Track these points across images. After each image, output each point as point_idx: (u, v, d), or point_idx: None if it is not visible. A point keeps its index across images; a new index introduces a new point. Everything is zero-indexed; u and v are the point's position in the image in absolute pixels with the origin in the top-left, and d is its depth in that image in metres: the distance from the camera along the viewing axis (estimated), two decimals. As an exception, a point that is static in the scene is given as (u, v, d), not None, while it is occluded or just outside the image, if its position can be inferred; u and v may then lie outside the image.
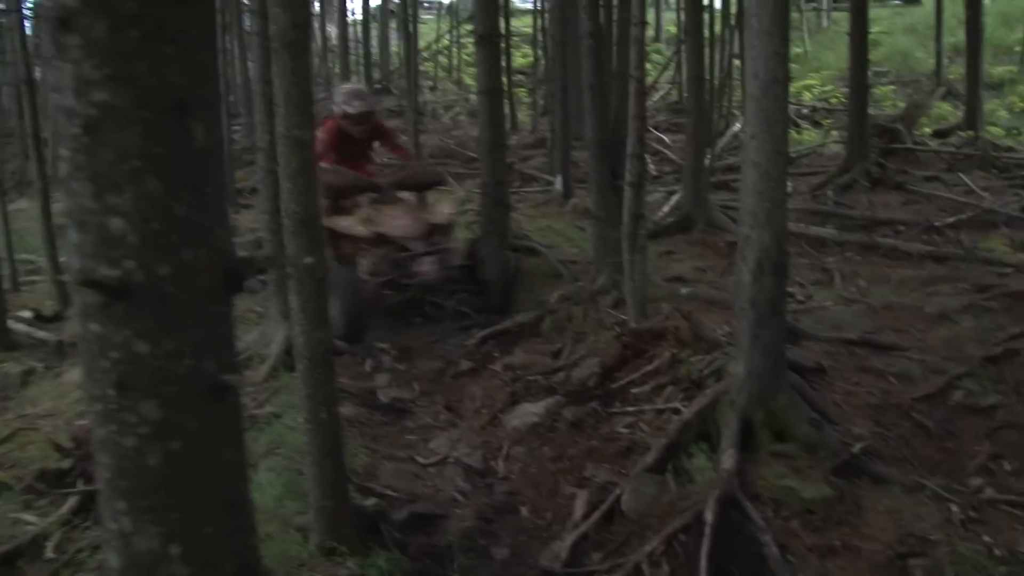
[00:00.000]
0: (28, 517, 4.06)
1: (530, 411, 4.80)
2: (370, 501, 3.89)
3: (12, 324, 6.92)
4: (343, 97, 7.03)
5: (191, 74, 1.13)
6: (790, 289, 6.44)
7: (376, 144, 7.58)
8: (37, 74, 9.64)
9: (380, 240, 6.62)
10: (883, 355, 5.03)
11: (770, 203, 3.89)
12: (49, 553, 3.71)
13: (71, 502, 4.15)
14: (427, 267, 6.56)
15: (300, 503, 3.81)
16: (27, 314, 7.41)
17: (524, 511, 4.04)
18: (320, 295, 3.21)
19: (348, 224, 6.64)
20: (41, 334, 6.95)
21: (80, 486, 4.26)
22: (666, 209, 9.62)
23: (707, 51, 10.68)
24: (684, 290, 6.28)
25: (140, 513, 1.21)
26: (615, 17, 7.93)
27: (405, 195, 7.10)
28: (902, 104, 13.09)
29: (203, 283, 1.19)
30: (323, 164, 6.44)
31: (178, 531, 1.22)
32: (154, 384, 1.18)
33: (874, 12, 17.96)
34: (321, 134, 6.59)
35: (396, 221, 6.68)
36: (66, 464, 4.43)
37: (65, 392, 5.75)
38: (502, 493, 4.18)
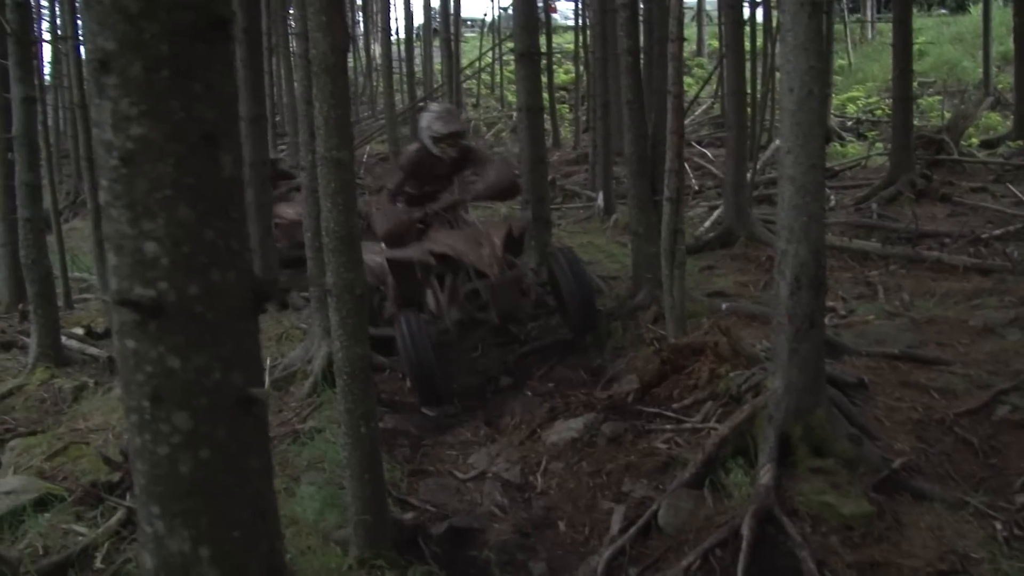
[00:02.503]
0: (79, 528, 4.17)
1: (568, 427, 4.82)
2: (409, 515, 3.95)
3: (65, 341, 7.11)
4: None
5: (218, 109, 1.22)
6: (832, 303, 6.41)
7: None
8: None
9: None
10: (926, 369, 4.98)
11: (807, 217, 3.88)
12: (98, 564, 3.81)
13: (119, 514, 4.25)
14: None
15: (340, 516, 3.88)
16: (79, 331, 7.60)
17: (561, 526, 4.06)
18: (359, 311, 3.28)
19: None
20: (92, 350, 7.13)
21: (128, 499, 4.36)
22: (708, 224, 9.60)
23: (748, 65, 10.67)
24: (724, 305, 6.27)
25: (172, 517, 1.31)
26: (654, 34, 7.96)
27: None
28: (949, 115, 12.89)
29: (231, 302, 1.28)
30: None
31: (208, 534, 1.31)
32: (186, 396, 1.27)
33: (920, 22, 17.77)
34: None
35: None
36: (115, 477, 4.54)
37: (115, 407, 5.89)
38: (540, 508, 4.20)
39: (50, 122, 14.75)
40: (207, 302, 1.25)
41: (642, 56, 7.78)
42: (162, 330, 1.24)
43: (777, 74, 10.83)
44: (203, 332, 1.26)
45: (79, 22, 11.29)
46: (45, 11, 18.32)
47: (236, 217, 1.25)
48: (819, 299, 3.97)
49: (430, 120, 6.15)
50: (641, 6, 8.79)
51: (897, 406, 4.58)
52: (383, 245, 6.13)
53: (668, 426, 4.60)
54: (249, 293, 1.28)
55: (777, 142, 12.05)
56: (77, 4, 9.45)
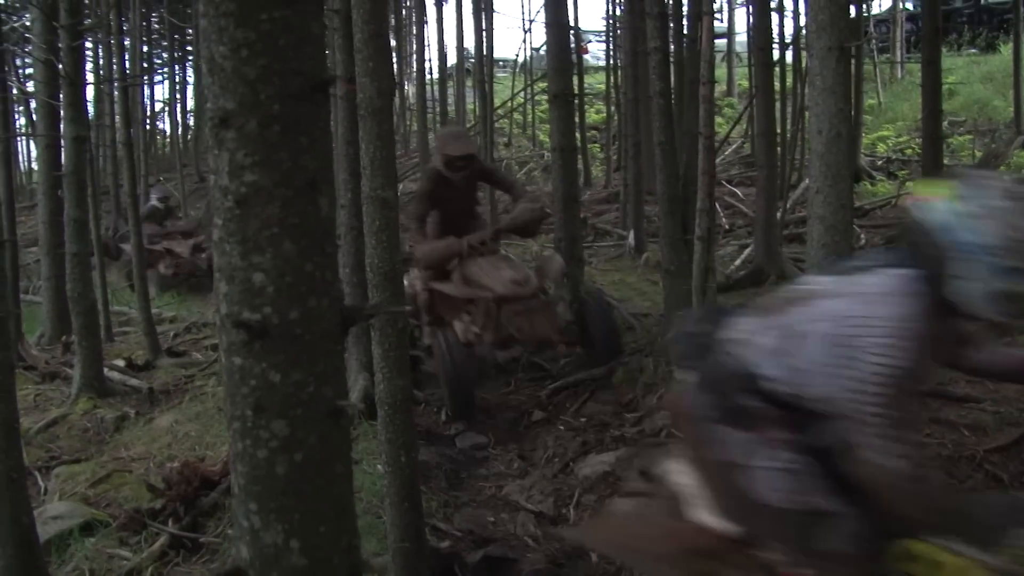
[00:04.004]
0: (123, 552, 4.29)
1: (601, 460, 4.90)
2: (445, 543, 4.04)
3: (107, 372, 7.29)
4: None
5: (318, 159, 1.42)
6: (862, 341, 6.46)
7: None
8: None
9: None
10: (956, 406, 5.00)
11: (835, 255, 3.98)
12: (143, 587, 3.93)
13: (162, 540, 4.37)
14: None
15: (378, 544, 3.98)
16: (120, 363, 7.79)
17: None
18: (401, 344, 3.40)
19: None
20: (133, 382, 7.31)
21: (170, 525, 4.48)
22: (738, 262, 9.69)
23: (778, 105, 10.78)
24: (754, 342, 6.34)
25: (268, 513, 1.50)
26: (685, 76, 8.11)
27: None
28: (980, 154, 12.91)
29: (324, 326, 1.48)
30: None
31: (298, 529, 1.51)
32: (284, 407, 1.47)
33: (950, 61, 17.81)
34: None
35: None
36: (158, 504, 4.66)
37: (156, 436, 6.04)
38: (573, 539, 4.28)
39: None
40: (305, 325, 1.44)
41: (673, 97, 7.93)
42: (265, 349, 1.43)
43: (806, 114, 10.95)
44: (300, 351, 1.45)
45: (127, 65, 11.63)
46: (89, 52, 18.85)
47: (330, 251, 1.46)
48: (847, 336, 4.03)
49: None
50: (672, 48, 8.95)
51: (927, 442, 4.62)
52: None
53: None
54: (338, 318, 1.48)
55: (807, 181, 12.15)
56: (125, 48, 9.74)
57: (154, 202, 13.60)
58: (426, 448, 5.27)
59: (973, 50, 19.71)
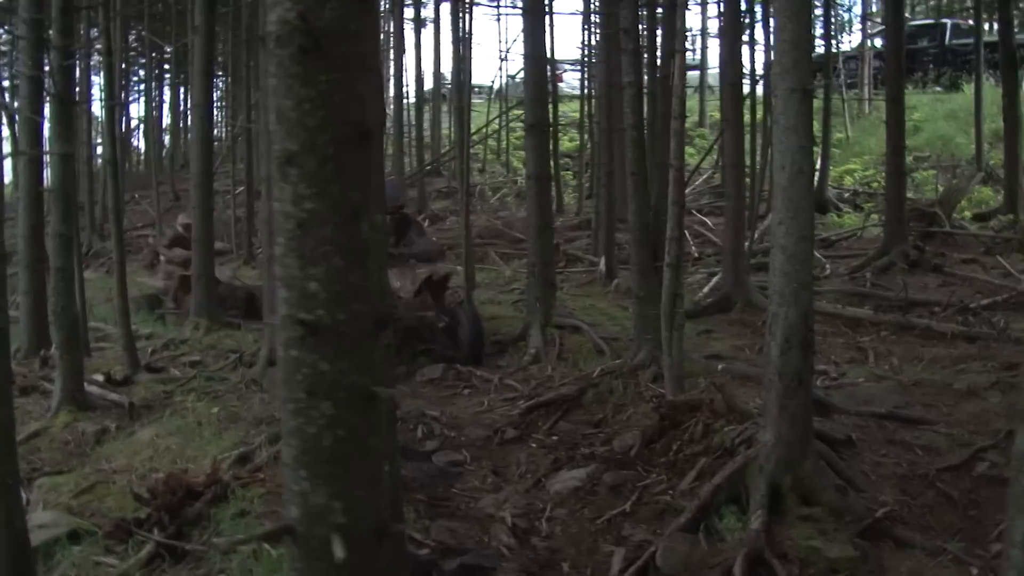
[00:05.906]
0: (110, 560, 4.42)
1: (572, 476, 5.10)
2: (423, 551, 4.21)
3: (87, 386, 7.37)
4: None
5: (362, 191, 1.76)
6: (824, 367, 6.72)
7: None
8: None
9: None
10: (911, 429, 5.28)
11: (796, 283, 4.23)
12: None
13: (148, 548, 4.49)
14: None
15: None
16: (99, 377, 7.88)
17: (565, 567, 4.32)
18: (387, 354, 3.59)
19: None
20: (113, 396, 7.38)
21: (156, 533, 4.60)
22: (706, 290, 9.94)
23: (747, 138, 11.10)
24: (720, 366, 6.59)
25: (316, 478, 1.81)
26: (657, 108, 8.40)
27: None
28: (942, 188, 13.34)
29: (363, 326, 1.80)
30: None
31: (340, 492, 1.82)
32: (330, 391, 1.78)
33: (915, 99, 18.30)
34: None
35: None
36: (143, 514, 4.79)
37: (137, 450, 6.15)
38: (545, 550, 4.46)
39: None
40: (348, 325, 1.76)
41: (646, 129, 8.20)
42: (317, 343, 1.75)
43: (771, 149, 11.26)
44: (344, 345, 1.77)
45: (106, 82, 11.74)
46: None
47: (370, 266, 1.80)
48: (807, 359, 4.30)
49: None
50: (645, 79, 9.25)
51: (883, 462, 4.88)
52: None
53: (665, 476, 4.89)
54: (373, 320, 1.81)
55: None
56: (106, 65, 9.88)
57: (179, 228, 13.43)
58: (403, 464, 5.43)
59: (938, 88, 20.26)
